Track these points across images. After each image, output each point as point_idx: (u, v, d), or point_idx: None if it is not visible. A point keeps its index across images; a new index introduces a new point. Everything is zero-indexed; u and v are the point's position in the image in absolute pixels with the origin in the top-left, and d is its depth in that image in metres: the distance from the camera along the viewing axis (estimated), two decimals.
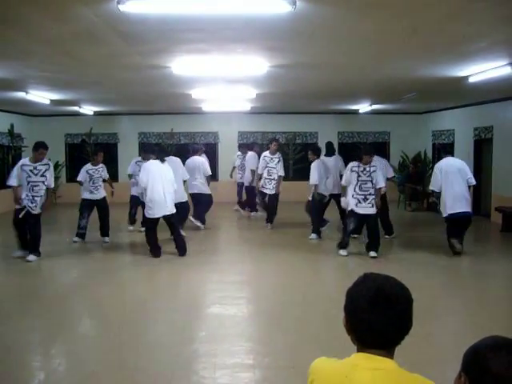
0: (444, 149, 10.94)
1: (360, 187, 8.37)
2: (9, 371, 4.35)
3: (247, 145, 14.15)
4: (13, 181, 8.29)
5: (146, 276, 7.77)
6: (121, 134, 16.93)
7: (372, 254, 8.41)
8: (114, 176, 10.30)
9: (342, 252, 8.59)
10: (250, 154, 12.86)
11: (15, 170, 8.34)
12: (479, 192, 13.40)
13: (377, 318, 1.52)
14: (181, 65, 7.50)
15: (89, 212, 9.82)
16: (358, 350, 1.59)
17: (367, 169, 8.39)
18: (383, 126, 17.04)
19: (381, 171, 8.69)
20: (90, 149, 16.31)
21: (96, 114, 15.80)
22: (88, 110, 14.92)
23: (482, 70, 7.93)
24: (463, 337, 4.86)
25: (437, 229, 10.17)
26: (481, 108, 13.11)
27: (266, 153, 11.45)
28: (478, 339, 1.45)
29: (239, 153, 13.91)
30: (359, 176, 8.39)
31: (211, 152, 16.06)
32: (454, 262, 8.35)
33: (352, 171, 8.43)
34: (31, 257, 8.27)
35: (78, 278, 7.77)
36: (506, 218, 11.13)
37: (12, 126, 14.67)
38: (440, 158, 9.37)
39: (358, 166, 8.43)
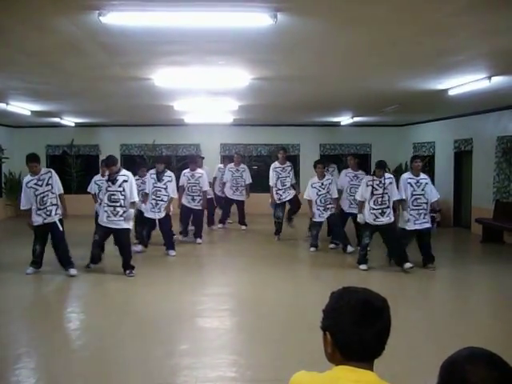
0: None
1: (376, 201, 8.22)
2: None
3: (230, 157, 14.02)
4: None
5: (124, 287, 7.68)
6: (102, 146, 16.77)
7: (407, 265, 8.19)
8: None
9: (362, 266, 8.40)
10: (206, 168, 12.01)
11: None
12: (459, 203, 13.57)
13: (367, 329, 1.52)
14: (162, 77, 7.49)
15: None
16: (339, 363, 1.57)
17: (382, 181, 8.28)
18: (365, 138, 17.16)
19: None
20: (72, 160, 16.19)
21: (77, 125, 15.69)
22: (69, 121, 14.80)
23: (461, 83, 8.05)
24: (443, 348, 4.86)
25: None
26: (461, 120, 13.29)
27: (276, 164, 11.08)
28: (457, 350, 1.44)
29: (221, 165, 13.60)
30: (375, 189, 8.23)
31: None
32: (434, 272, 8.41)
33: (367, 186, 8.30)
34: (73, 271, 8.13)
35: (56, 289, 7.68)
36: (485, 229, 11.27)
37: None
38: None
39: (373, 180, 8.31)
